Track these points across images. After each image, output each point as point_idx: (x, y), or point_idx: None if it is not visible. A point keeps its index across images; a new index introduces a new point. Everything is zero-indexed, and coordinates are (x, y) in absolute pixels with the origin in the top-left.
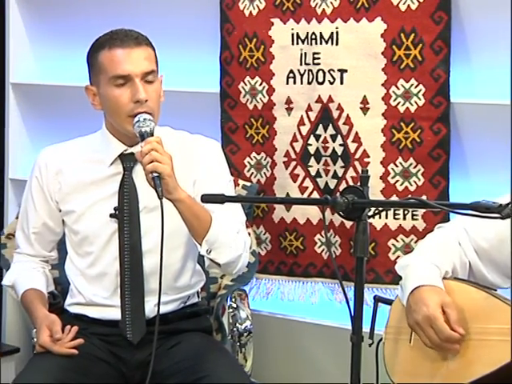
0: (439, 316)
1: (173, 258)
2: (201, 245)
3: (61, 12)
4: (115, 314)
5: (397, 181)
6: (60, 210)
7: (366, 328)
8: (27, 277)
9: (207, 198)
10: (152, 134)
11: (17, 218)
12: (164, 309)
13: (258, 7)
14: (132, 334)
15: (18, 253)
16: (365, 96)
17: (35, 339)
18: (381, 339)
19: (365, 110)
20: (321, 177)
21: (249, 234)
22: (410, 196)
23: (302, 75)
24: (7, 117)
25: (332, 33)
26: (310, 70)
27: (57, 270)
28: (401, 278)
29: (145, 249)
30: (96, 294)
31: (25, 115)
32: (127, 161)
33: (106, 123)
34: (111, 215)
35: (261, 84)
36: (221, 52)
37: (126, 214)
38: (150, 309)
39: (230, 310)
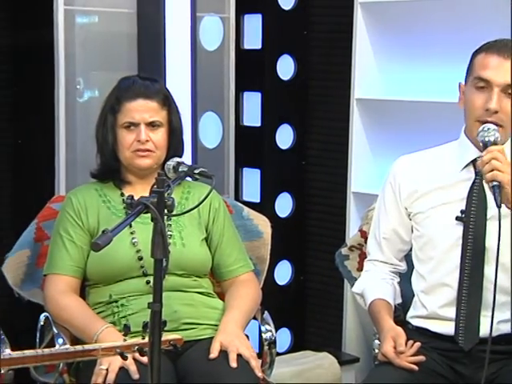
0: None
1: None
2: None
3: (404, 26)
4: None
5: None
6: (409, 215)
7: None
8: (376, 286)
9: None
10: (495, 144)
11: (359, 231)
12: (502, 328)
13: None
14: (464, 340)
15: (369, 260)
16: None
17: (376, 350)
18: None
19: None
20: None
21: None
22: None
23: None
24: (351, 131)
25: None
26: None
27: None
28: None
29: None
30: (439, 305)
31: (367, 129)
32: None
33: (466, 126)
34: (457, 218)
35: None
36: None
37: (473, 219)
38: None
39: None
